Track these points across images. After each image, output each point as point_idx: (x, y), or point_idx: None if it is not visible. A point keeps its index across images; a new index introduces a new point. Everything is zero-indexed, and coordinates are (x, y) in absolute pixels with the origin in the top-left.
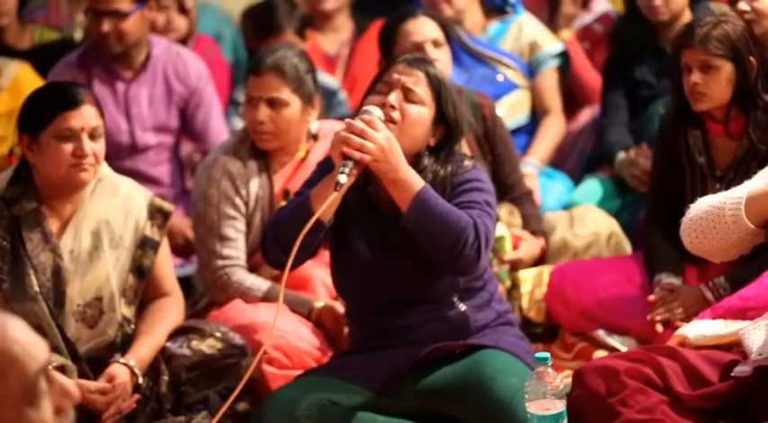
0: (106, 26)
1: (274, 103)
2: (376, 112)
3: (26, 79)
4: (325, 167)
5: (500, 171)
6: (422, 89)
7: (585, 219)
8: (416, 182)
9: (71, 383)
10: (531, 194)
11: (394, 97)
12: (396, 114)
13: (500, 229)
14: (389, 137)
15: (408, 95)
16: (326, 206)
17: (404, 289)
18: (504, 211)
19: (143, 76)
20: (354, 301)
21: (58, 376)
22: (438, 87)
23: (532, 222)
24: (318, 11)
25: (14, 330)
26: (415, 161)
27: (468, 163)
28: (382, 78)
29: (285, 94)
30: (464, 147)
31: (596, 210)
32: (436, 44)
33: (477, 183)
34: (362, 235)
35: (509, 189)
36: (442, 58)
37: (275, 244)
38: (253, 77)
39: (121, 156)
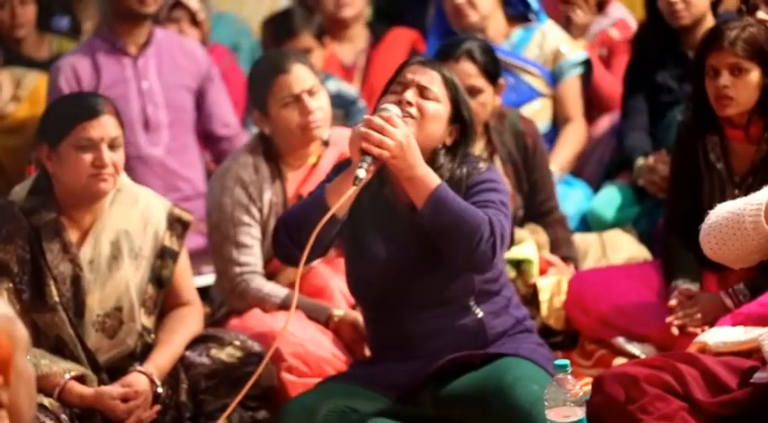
0: None
1: None
2: (393, 110)
3: (45, 90)
4: (340, 170)
5: (535, 197)
6: (437, 87)
7: (617, 244)
8: (433, 180)
9: (91, 392)
10: (564, 220)
11: (410, 94)
12: (413, 110)
13: (528, 252)
14: (408, 134)
15: (424, 93)
16: (343, 200)
17: (418, 289)
18: (527, 229)
19: (148, 49)
20: (369, 302)
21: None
22: (452, 87)
23: (563, 247)
24: (338, 18)
25: None
26: (431, 159)
27: (482, 165)
28: (396, 79)
29: None
30: (501, 174)
31: (625, 235)
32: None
33: (493, 183)
34: (377, 235)
35: (543, 215)
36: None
37: (288, 238)
38: None
39: (136, 138)
